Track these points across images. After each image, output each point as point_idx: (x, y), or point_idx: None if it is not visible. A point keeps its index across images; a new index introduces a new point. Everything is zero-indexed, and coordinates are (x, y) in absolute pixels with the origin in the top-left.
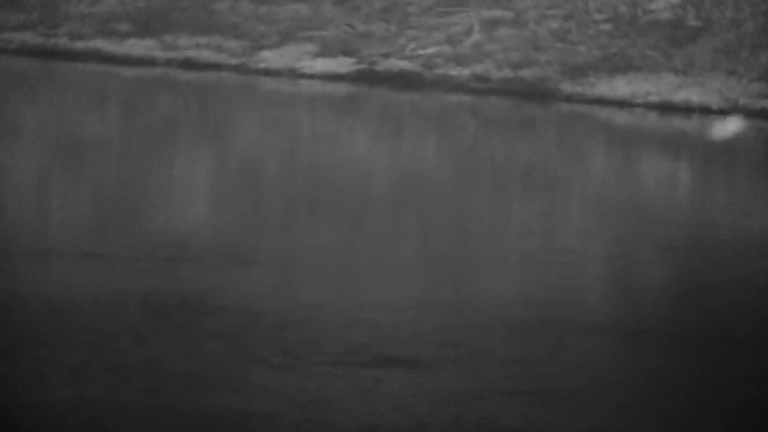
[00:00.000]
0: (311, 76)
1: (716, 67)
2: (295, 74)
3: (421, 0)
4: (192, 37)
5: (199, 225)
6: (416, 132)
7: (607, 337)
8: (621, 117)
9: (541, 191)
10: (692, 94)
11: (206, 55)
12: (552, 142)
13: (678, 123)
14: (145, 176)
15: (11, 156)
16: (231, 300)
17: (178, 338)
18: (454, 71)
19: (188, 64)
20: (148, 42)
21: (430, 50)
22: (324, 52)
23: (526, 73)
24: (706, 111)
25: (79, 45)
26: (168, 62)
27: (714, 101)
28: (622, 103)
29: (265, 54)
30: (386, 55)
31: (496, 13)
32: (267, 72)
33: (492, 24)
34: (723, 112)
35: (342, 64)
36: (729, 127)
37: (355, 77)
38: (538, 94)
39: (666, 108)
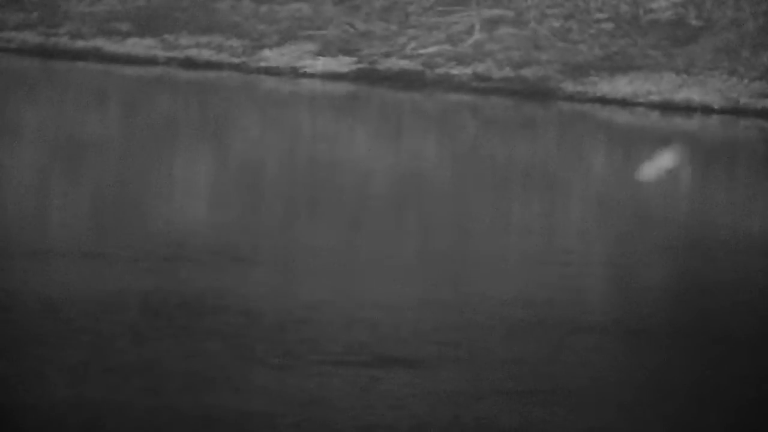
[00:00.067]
0: (312, 76)
1: (717, 66)
2: (296, 73)
3: None
4: (192, 36)
5: (199, 225)
6: (417, 131)
7: (606, 337)
8: (622, 116)
9: (541, 191)
10: (693, 94)
11: (207, 55)
12: (553, 142)
13: (679, 122)
14: (145, 176)
15: (11, 156)
16: (231, 300)
17: (178, 338)
18: (455, 70)
19: (189, 64)
20: (149, 41)
21: (431, 49)
22: (324, 52)
23: (527, 72)
24: (707, 110)
25: (80, 44)
26: (168, 61)
27: (715, 101)
28: (623, 103)
29: (266, 53)
30: (387, 55)
31: (497, 12)
32: (267, 71)
33: (493, 23)
34: (724, 112)
35: (342, 64)
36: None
37: (356, 76)
38: (539, 93)
39: (667, 107)
